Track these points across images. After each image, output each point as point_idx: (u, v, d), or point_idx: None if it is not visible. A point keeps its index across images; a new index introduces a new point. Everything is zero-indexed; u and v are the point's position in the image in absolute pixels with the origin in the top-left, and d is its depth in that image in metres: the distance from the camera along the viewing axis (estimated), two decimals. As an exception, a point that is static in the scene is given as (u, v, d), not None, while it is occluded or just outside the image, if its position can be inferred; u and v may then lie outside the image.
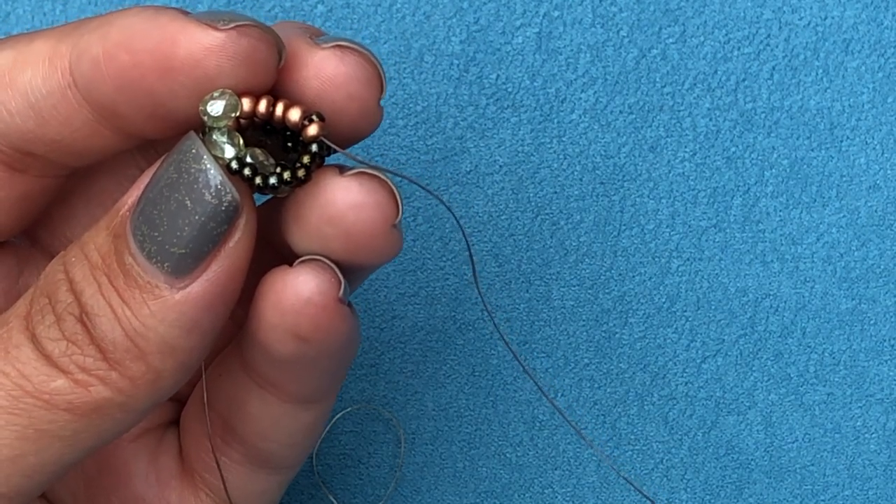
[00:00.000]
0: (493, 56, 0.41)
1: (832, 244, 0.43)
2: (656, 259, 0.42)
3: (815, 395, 0.43)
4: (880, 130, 0.42)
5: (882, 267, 0.43)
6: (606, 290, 0.42)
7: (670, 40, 0.42)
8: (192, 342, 0.27)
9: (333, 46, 0.28)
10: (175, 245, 0.27)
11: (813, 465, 0.43)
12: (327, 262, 0.28)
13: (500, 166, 0.42)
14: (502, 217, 0.42)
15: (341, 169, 0.28)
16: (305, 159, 0.28)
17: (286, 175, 0.28)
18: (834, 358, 0.43)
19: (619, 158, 0.42)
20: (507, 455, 0.43)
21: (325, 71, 0.28)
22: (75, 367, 0.27)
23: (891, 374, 0.43)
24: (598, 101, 0.42)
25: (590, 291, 0.42)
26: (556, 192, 0.42)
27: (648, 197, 0.42)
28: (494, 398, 0.43)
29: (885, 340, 0.43)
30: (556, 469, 0.43)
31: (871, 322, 0.43)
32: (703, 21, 0.42)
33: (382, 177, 0.28)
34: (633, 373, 0.43)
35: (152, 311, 0.27)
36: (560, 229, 0.42)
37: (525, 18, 0.41)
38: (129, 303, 0.27)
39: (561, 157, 0.42)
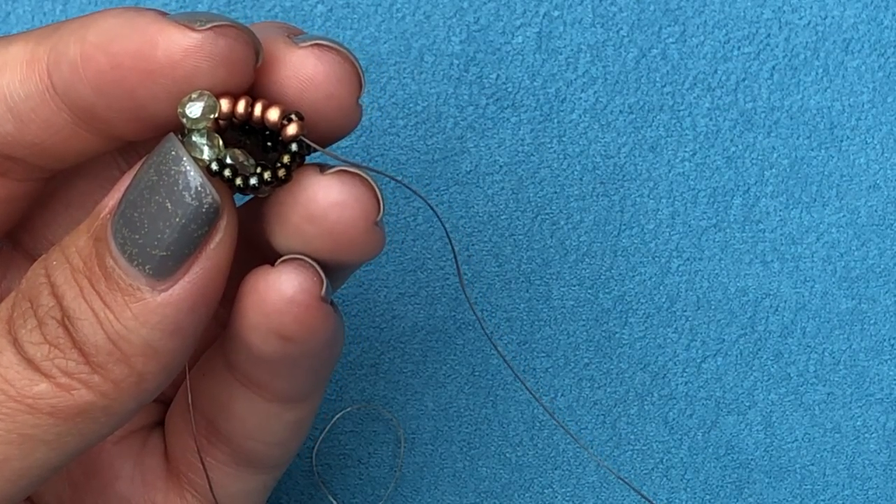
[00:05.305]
0: (493, 56, 0.41)
1: (832, 244, 0.42)
2: (656, 259, 0.42)
3: (815, 395, 0.43)
4: (880, 130, 0.42)
5: (882, 267, 0.42)
6: (606, 290, 0.42)
7: (670, 40, 0.42)
8: (174, 344, 0.27)
9: (311, 45, 0.28)
10: (156, 247, 0.27)
11: (813, 465, 0.43)
12: (309, 260, 0.28)
13: (500, 166, 0.42)
14: (502, 217, 0.42)
15: (322, 168, 0.28)
16: (285, 159, 0.28)
17: (266, 175, 0.28)
18: (834, 358, 0.43)
19: (619, 158, 0.42)
20: (507, 455, 0.43)
21: (303, 70, 0.28)
22: (58, 370, 0.27)
23: (891, 374, 0.43)
24: (598, 101, 0.42)
25: (590, 291, 0.42)
26: (556, 192, 0.42)
27: (648, 197, 0.42)
28: (494, 398, 0.43)
29: (885, 340, 0.43)
30: (555, 469, 0.43)
31: (871, 322, 0.43)
32: (703, 21, 0.42)
33: (363, 174, 0.28)
34: (633, 373, 0.43)
35: (134, 314, 0.27)
36: (560, 229, 0.42)
37: (525, 18, 0.41)
38: (110, 306, 0.27)
39: (561, 157, 0.42)
